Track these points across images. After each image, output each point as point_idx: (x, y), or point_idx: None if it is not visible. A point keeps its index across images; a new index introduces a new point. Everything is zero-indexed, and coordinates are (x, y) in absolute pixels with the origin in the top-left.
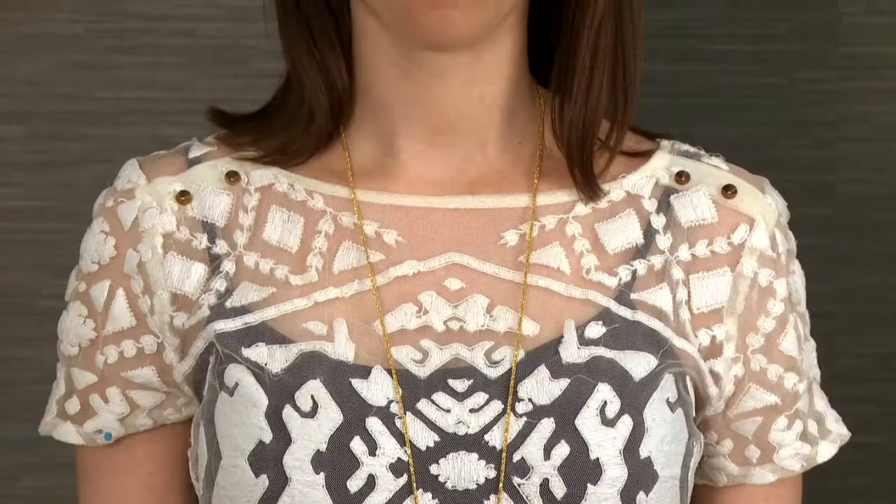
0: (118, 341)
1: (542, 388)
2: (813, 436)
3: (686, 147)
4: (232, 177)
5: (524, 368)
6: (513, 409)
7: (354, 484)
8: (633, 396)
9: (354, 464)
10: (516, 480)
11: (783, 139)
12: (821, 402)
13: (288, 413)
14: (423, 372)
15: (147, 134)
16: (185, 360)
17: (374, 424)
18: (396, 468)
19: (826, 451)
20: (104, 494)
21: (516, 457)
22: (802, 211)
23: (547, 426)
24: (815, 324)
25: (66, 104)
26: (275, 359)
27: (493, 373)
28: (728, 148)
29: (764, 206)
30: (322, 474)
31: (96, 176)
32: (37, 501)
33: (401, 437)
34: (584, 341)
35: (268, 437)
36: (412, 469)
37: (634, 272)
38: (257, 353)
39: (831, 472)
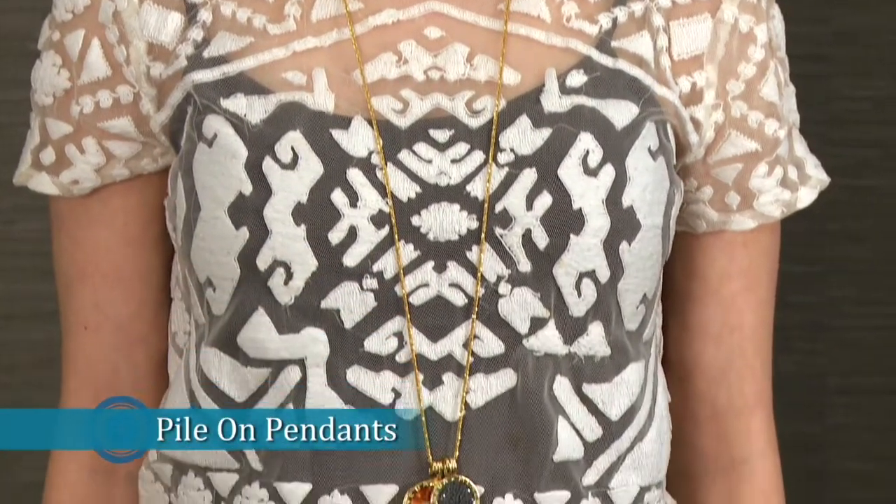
0: (94, 91)
1: (523, 137)
2: (793, 181)
3: None
4: None
5: (506, 118)
6: (494, 159)
7: (336, 236)
8: (616, 145)
9: (335, 215)
10: (498, 231)
11: None
12: (800, 148)
13: (268, 164)
14: (403, 122)
15: None
16: (161, 110)
17: (354, 175)
18: (378, 219)
19: (806, 197)
20: (80, 244)
21: (498, 207)
22: None
23: (529, 176)
24: (812, 67)
25: None
26: (254, 109)
27: (474, 122)
28: None
29: None
30: (303, 226)
31: None
32: (31, 244)
33: (382, 189)
34: (565, 90)
35: (248, 188)
36: (393, 220)
37: (615, 19)
38: (236, 103)
39: (830, 214)
